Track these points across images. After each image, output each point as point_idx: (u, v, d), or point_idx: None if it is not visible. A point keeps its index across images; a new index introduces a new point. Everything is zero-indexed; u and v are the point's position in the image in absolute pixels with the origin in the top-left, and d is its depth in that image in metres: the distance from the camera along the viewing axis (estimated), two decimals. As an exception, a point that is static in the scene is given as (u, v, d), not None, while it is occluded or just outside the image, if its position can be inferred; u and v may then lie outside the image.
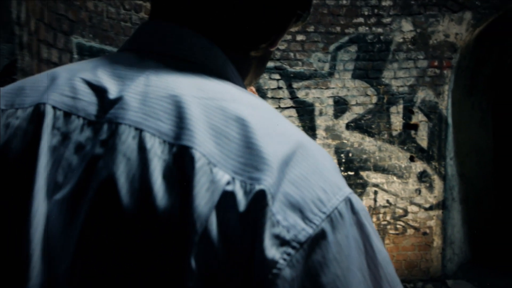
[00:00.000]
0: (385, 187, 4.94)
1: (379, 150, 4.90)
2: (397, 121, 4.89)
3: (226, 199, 0.42)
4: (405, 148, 4.91)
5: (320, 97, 4.83)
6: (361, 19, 4.90)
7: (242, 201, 0.42)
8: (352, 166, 4.93)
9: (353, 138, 4.88)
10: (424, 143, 4.88)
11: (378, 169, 4.89)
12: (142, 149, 0.44)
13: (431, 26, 4.82)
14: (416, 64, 4.87)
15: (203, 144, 0.44)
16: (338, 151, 4.91)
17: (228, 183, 0.42)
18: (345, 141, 4.89)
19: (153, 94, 0.47)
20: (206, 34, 0.54)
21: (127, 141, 0.45)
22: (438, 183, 4.91)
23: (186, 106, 0.46)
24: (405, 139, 4.89)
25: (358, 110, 4.86)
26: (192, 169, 0.43)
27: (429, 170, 4.89)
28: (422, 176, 4.88)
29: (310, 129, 4.86)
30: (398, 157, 4.91)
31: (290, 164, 0.44)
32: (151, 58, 0.52)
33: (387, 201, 4.95)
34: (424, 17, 4.80)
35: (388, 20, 4.91)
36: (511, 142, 6.58)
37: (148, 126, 0.45)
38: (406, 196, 4.92)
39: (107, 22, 3.65)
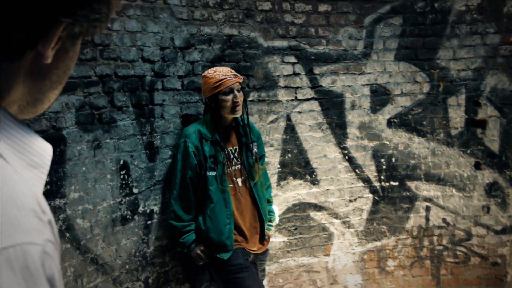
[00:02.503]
0: (441, 202, 4.26)
1: (433, 154, 4.23)
2: (457, 116, 4.21)
3: None
4: (469, 151, 4.22)
5: (352, 86, 4.11)
6: (407, -19, 4.11)
7: None
8: (396, 175, 4.21)
9: (397, 139, 4.20)
10: (494, 146, 4.19)
11: (432, 178, 4.24)
12: None
13: (505, -12, 4.07)
14: (485, 40, 4.15)
15: None
16: (376, 155, 4.19)
17: None
18: (387, 142, 4.19)
19: None
20: None
21: None
22: (513, 199, 4.23)
23: None
24: (469, 139, 4.21)
25: (403, 102, 4.20)
26: None
27: (501, 181, 4.20)
28: (492, 189, 4.21)
29: (338, 127, 4.10)
30: (458, 163, 4.23)
31: None
32: None
33: (444, 220, 4.27)
34: (496, -25, 4.05)
35: (445, -19, 4.13)
36: None
37: None
38: (470, 215, 4.24)
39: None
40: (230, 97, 2.89)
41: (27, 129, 0.56)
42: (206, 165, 2.92)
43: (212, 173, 2.92)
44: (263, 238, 3.13)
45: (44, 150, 0.58)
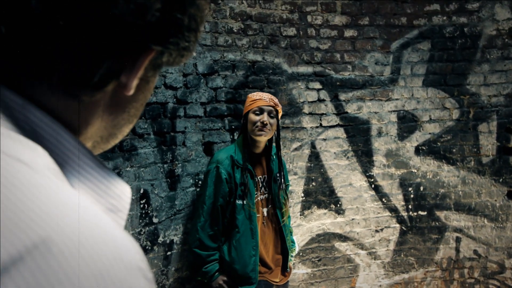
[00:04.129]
0: (472, 233, 4.11)
1: (463, 182, 4.10)
2: (488, 144, 4.09)
3: None
4: (501, 180, 4.09)
5: (378, 112, 4.02)
6: (436, 6, 4.03)
7: None
8: (425, 204, 4.08)
9: (426, 167, 4.08)
10: (528, 175, 4.03)
11: (462, 208, 4.11)
12: None
13: (539, 11, 3.97)
14: (517, 65, 4.02)
15: None
16: (404, 184, 4.07)
17: None
18: (414, 171, 4.07)
19: None
20: (3, 78, 0.44)
21: None
22: (550, 231, 4.03)
23: None
24: (501, 168, 4.09)
25: (432, 129, 4.09)
26: None
27: (536, 212, 4.03)
28: (526, 220, 4.03)
29: (364, 154, 4.00)
30: (490, 192, 4.09)
31: (12, 270, 0.34)
32: None
33: (475, 252, 4.13)
34: (528, -1, 3.97)
35: (475, 5, 4.03)
36: None
37: None
38: (503, 246, 4.09)
39: None
40: (258, 117, 2.82)
41: (106, 169, 0.50)
42: (236, 193, 2.83)
43: (240, 202, 2.84)
44: (285, 270, 3.04)
45: (123, 192, 0.52)
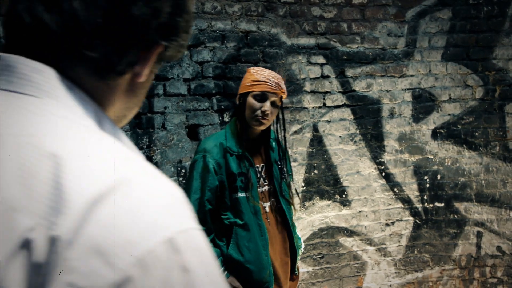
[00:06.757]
0: (496, 227, 4.03)
1: (487, 170, 4.02)
2: None
3: (25, 247, 0.46)
4: None
5: (391, 90, 3.92)
6: (458, -32, 3.98)
7: (41, 249, 0.46)
8: (442, 195, 3.96)
9: (444, 152, 3.99)
10: (561, 162, 4.00)
11: (485, 199, 4.04)
12: None
13: None
14: (551, 37, 3.98)
15: (6, 188, 0.48)
16: (419, 172, 3.94)
17: (30, 229, 0.46)
18: (431, 157, 3.97)
19: None
20: (48, 61, 0.59)
21: None
22: None
23: None
24: None
25: (452, 110, 4.01)
26: None
27: None
28: (558, 213, 4.00)
29: (374, 138, 3.85)
30: None
31: (100, 204, 0.48)
32: None
33: (499, 248, 4.04)
34: None
35: (503, -33, 3.97)
36: None
37: None
38: None
39: None
40: (259, 104, 2.49)
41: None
42: (234, 185, 2.50)
43: (243, 194, 2.52)
44: (293, 273, 2.76)
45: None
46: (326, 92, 3.74)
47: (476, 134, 3.98)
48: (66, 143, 0.50)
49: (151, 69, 0.67)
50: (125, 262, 0.45)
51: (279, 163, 2.67)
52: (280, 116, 2.63)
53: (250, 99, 2.48)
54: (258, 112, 2.45)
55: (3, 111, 0.53)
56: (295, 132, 3.61)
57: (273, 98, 2.48)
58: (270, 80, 2.49)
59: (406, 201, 3.88)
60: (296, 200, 2.85)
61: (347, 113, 3.80)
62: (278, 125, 2.65)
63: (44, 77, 0.57)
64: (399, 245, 3.89)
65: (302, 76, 3.63)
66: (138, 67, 0.63)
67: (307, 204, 3.66)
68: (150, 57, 0.64)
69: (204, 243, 0.52)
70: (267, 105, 2.44)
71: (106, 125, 0.60)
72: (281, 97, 2.55)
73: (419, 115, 3.93)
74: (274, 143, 2.68)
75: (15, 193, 0.47)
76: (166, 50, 0.66)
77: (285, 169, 2.70)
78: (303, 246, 2.95)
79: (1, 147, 0.49)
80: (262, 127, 2.52)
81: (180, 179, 2.97)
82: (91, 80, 0.61)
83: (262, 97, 2.45)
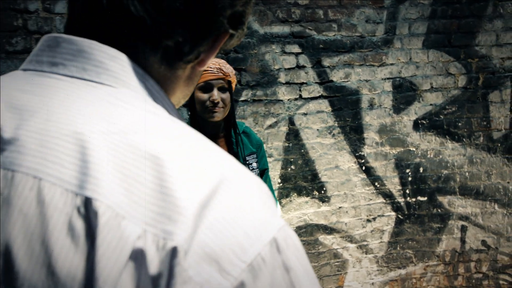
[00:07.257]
0: (480, 221, 4.01)
1: (471, 162, 3.98)
2: (500, 116, 3.99)
3: (137, 257, 0.44)
4: None
5: (370, 80, 3.83)
6: (439, -50, 3.86)
7: (153, 259, 0.44)
8: (424, 188, 3.92)
9: (426, 144, 3.94)
10: (547, 152, 3.96)
11: (469, 192, 4.01)
12: (40, 202, 0.45)
13: None
14: (535, 22, 3.92)
15: (110, 193, 0.45)
16: (400, 165, 3.88)
17: (139, 237, 0.45)
18: (413, 149, 3.92)
19: (54, 132, 0.49)
20: (122, 47, 0.58)
21: (24, 193, 0.46)
22: None
23: (90, 146, 0.47)
24: None
25: (434, 99, 3.94)
26: (96, 225, 0.44)
27: (555, 197, 3.99)
28: (544, 206, 3.97)
29: (353, 131, 3.78)
30: (502, 173, 4.01)
31: (209, 207, 0.47)
32: (55, 82, 0.54)
33: (483, 243, 4.04)
34: None
35: (486, -52, 3.87)
36: None
37: (48, 173, 0.46)
38: None
39: None
40: (206, 95, 2.39)
41: None
42: None
43: None
44: None
45: None
46: (302, 83, 3.65)
47: (459, 124, 3.92)
48: (161, 142, 0.48)
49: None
50: (238, 268, 0.45)
51: (247, 158, 2.56)
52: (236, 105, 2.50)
53: (197, 92, 2.43)
54: (208, 103, 2.39)
55: (86, 105, 0.50)
56: (270, 126, 3.52)
57: (219, 85, 2.42)
58: (210, 68, 2.44)
59: (388, 195, 3.82)
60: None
61: (324, 105, 3.71)
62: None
63: (120, 65, 0.55)
64: (381, 242, 3.83)
65: (276, 67, 3.53)
66: (204, 55, 0.63)
67: (284, 201, 3.58)
68: (217, 46, 0.64)
69: (297, 238, 0.51)
70: (214, 94, 2.38)
71: (176, 117, 0.58)
72: (230, 82, 2.48)
73: (399, 106, 3.85)
74: (245, 138, 2.56)
75: (120, 199, 0.45)
76: (230, 39, 0.66)
77: (254, 165, 2.60)
78: None
79: (94, 146, 0.46)
80: (218, 117, 2.44)
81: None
82: (160, 69, 0.60)
83: (207, 86, 2.40)
